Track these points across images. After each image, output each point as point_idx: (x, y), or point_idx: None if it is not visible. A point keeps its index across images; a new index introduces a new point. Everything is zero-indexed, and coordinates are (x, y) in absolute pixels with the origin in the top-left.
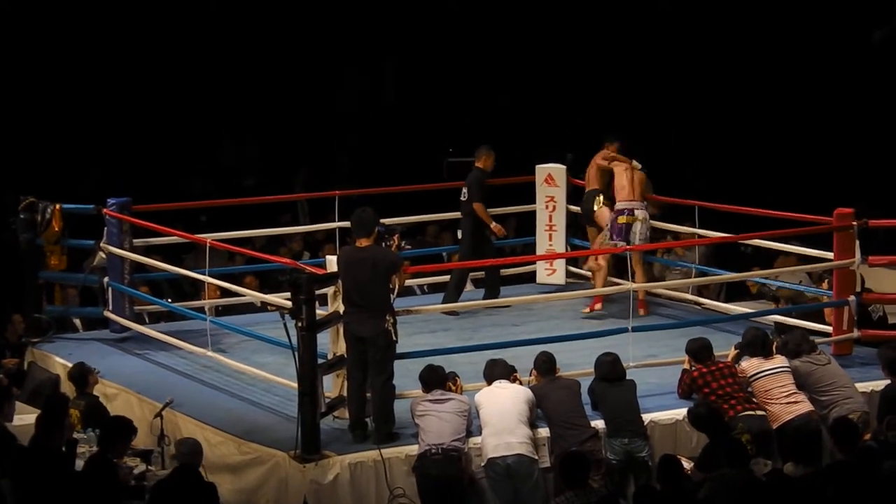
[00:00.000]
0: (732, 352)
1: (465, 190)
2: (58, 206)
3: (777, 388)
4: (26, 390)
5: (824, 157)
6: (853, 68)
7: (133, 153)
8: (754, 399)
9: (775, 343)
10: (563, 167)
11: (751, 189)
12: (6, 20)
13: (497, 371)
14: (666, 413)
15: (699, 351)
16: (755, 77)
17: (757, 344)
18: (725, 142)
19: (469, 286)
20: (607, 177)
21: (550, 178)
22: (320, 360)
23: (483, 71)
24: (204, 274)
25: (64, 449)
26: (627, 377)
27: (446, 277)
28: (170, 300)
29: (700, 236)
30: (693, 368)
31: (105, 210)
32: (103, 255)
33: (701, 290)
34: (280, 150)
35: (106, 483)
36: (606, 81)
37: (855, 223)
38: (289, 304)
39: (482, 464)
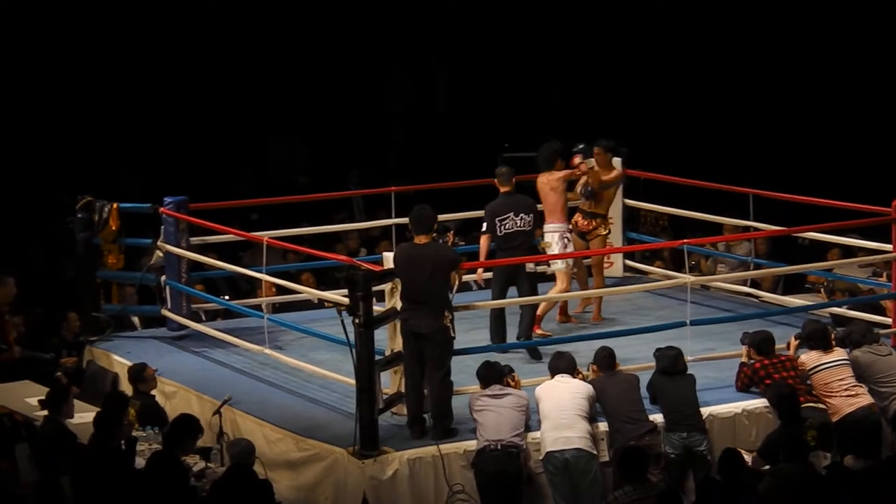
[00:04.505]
0: (793, 342)
1: (525, 217)
2: (115, 206)
3: (837, 381)
4: (85, 389)
5: (881, 146)
6: None
7: (187, 153)
8: (814, 392)
9: (834, 335)
10: (619, 160)
11: (807, 180)
12: (62, 18)
13: (562, 365)
14: (724, 406)
15: (762, 343)
16: (811, 65)
17: (817, 337)
18: (781, 131)
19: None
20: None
21: None
22: (378, 357)
23: (533, 68)
24: (261, 272)
25: (123, 447)
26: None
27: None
28: (227, 298)
29: (754, 229)
30: (754, 360)
31: (162, 209)
32: (160, 254)
33: (758, 283)
34: (332, 150)
35: (173, 479)
36: (657, 73)
37: None
38: (346, 300)
39: (540, 458)
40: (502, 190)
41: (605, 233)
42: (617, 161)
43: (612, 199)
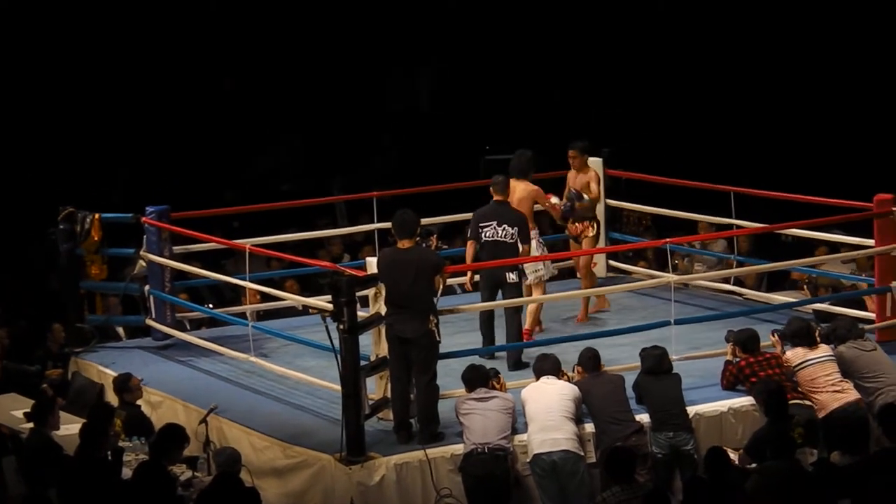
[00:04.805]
0: (773, 338)
1: (508, 229)
2: (97, 216)
3: (823, 377)
4: (71, 400)
5: (862, 141)
6: (891, 51)
7: (168, 161)
8: (800, 388)
9: (818, 331)
10: (600, 160)
11: (787, 176)
12: (43, 30)
13: (546, 366)
14: (710, 405)
15: (747, 341)
16: (792, 61)
17: (802, 333)
18: (760, 128)
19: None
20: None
21: None
22: (363, 362)
23: (517, 70)
24: (244, 279)
25: (110, 457)
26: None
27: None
28: (211, 306)
29: (736, 227)
30: (739, 358)
31: (144, 218)
32: (143, 264)
33: (742, 281)
34: (315, 157)
35: (160, 489)
36: (639, 71)
37: (895, 209)
38: (330, 306)
39: (528, 460)
40: (495, 198)
41: (592, 234)
42: (594, 161)
43: (597, 199)
